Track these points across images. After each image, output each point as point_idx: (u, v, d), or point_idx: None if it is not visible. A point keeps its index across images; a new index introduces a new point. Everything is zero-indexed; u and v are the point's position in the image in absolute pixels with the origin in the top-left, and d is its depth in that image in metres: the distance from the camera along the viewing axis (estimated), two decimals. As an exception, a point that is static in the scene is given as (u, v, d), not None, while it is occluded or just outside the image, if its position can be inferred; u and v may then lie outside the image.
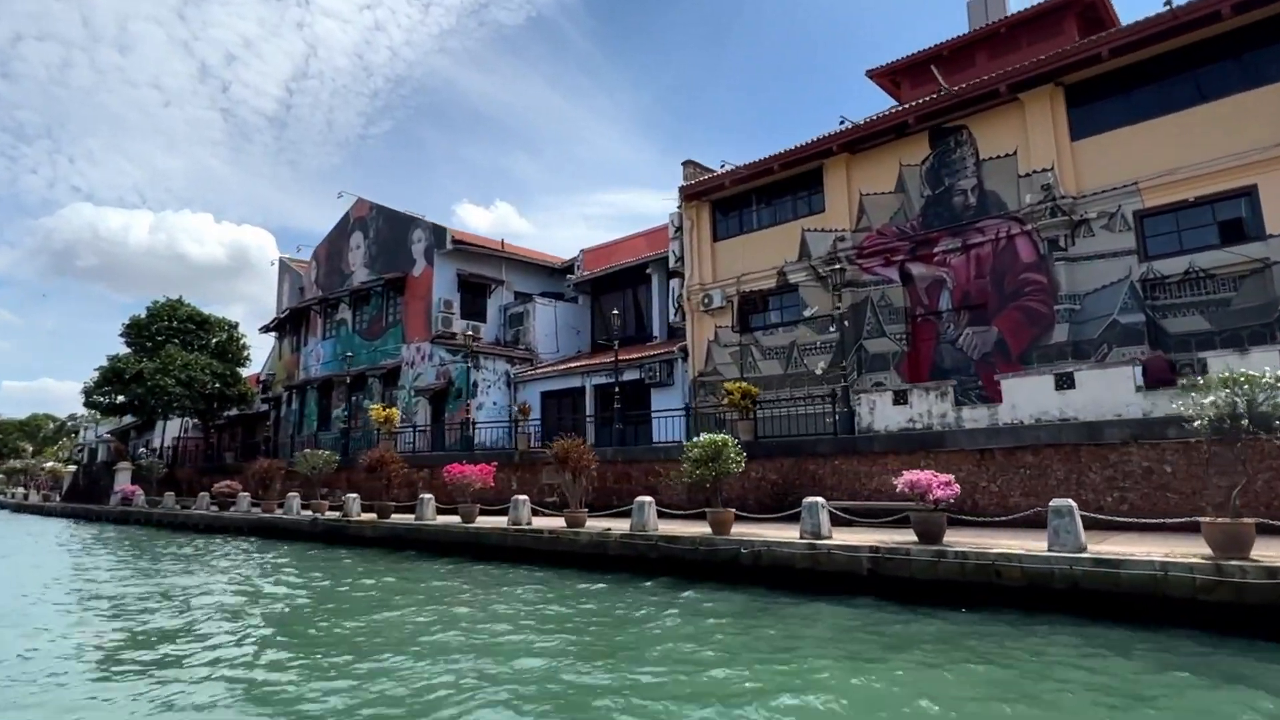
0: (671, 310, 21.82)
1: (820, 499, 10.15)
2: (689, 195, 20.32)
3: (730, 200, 20.24)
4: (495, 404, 25.37)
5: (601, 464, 17.51)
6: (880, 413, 13.77)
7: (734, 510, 11.73)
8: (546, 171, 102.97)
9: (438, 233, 27.08)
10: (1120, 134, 14.00)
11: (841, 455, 13.85)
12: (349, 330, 30.29)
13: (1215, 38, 13.07)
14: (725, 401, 15.84)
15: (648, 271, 26.29)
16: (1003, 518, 11.21)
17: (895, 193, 16.99)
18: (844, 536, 9.95)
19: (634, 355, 22.22)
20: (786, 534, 10.62)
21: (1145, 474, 10.58)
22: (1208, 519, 7.36)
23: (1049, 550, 7.96)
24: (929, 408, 13.15)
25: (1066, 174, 14.44)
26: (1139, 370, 11.16)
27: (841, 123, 16.89)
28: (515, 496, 14.26)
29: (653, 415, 20.34)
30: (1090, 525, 10.23)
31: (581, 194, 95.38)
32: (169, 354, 33.55)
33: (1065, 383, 11.70)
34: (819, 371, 17.66)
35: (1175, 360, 11.75)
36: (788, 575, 9.69)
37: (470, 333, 25.92)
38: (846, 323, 17.23)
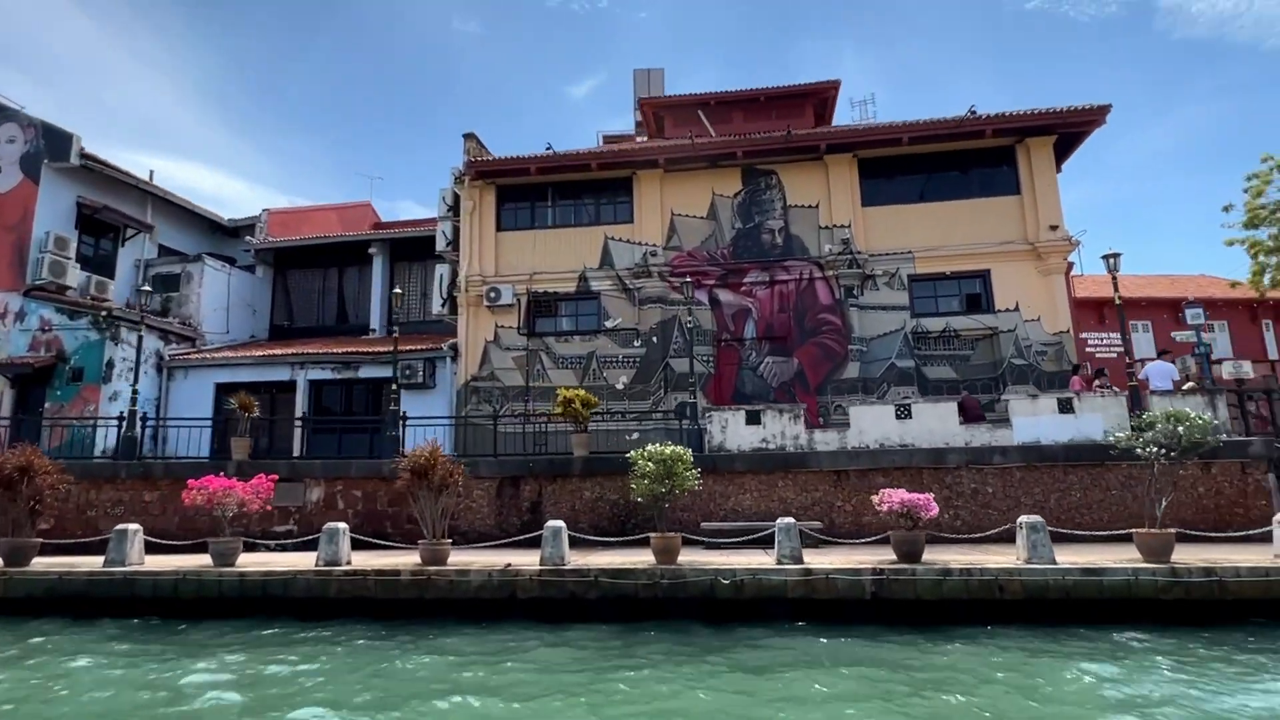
0: (438, 300, 18.61)
1: (791, 519, 9.56)
2: (479, 173, 17.74)
3: (522, 189, 18.34)
4: (141, 394, 18.09)
5: (372, 481, 13.99)
6: (733, 432, 13.75)
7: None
8: (55, 107, 79.31)
9: (55, 137, 18.46)
10: (900, 209, 16.85)
11: (695, 474, 13.37)
12: None
13: (971, 150, 16.78)
14: (556, 410, 14.02)
15: (370, 252, 22.10)
16: (861, 539, 12.17)
17: (707, 219, 17.51)
18: (818, 559, 9.52)
19: (378, 349, 18.26)
20: (742, 560, 9.76)
21: (973, 494, 12.62)
22: (1141, 530, 9.06)
23: (1028, 563, 8.83)
24: (782, 429, 13.62)
25: (859, 233, 16.75)
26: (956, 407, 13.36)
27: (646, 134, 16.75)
28: (330, 525, 10.15)
29: (408, 423, 16.90)
30: (935, 540, 11.67)
31: (106, 147, 75.43)
32: None
33: (904, 413, 13.34)
34: (620, 386, 16.96)
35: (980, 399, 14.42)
36: (776, 606, 8.83)
37: (106, 293, 18.15)
38: (655, 339, 16.96)
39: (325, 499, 14.26)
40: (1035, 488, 12.51)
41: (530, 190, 18.32)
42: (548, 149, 17.40)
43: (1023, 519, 9.20)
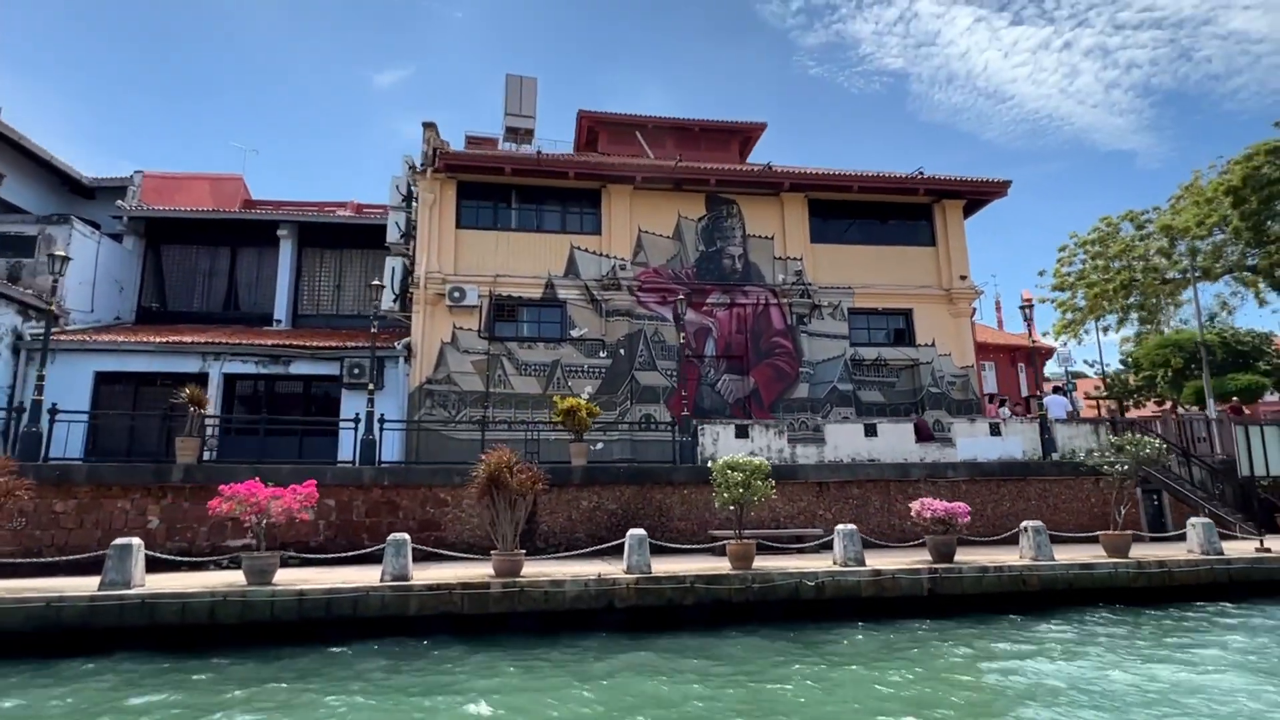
0: (389, 296, 17.27)
1: (853, 526, 10.55)
2: (447, 166, 16.90)
3: (484, 188, 17.75)
4: (44, 380, 14.84)
5: (347, 489, 12.92)
6: (724, 444, 14.54)
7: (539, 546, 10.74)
8: None
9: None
10: (842, 248, 18.83)
11: (692, 485, 13.96)
12: None
13: (900, 204, 19.22)
14: (557, 418, 13.89)
15: (280, 234, 19.92)
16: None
17: (673, 239, 18.23)
18: (874, 562, 10.56)
19: (321, 343, 16.58)
20: (792, 563, 10.55)
21: (929, 503, 14.52)
22: (1106, 532, 11.24)
23: (1036, 561, 10.61)
24: (768, 443, 14.68)
25: (808, 266, 18.45)
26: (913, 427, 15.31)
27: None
28: (394, 536, 9.32)
29: (343, 426, 15.62)
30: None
31: None
32: None
33: (871, 431, 15.02)
34: (586, 396, 16.98)
35: (930, 421, 16.46)
36: (848, 605, 9.74)
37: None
38: (622, 350, 17.28)
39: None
40: (976, 498, 14.68)
41: (493, 190, 17.79)
42: (537, 152, 17.04)
43: (1026, 524, 11.02)
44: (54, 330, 16.23)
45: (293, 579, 9.16)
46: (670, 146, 22.38)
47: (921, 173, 18.23)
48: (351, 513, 12.96)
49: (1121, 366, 29.67)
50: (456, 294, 16.61)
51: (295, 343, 16.47)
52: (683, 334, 15.81)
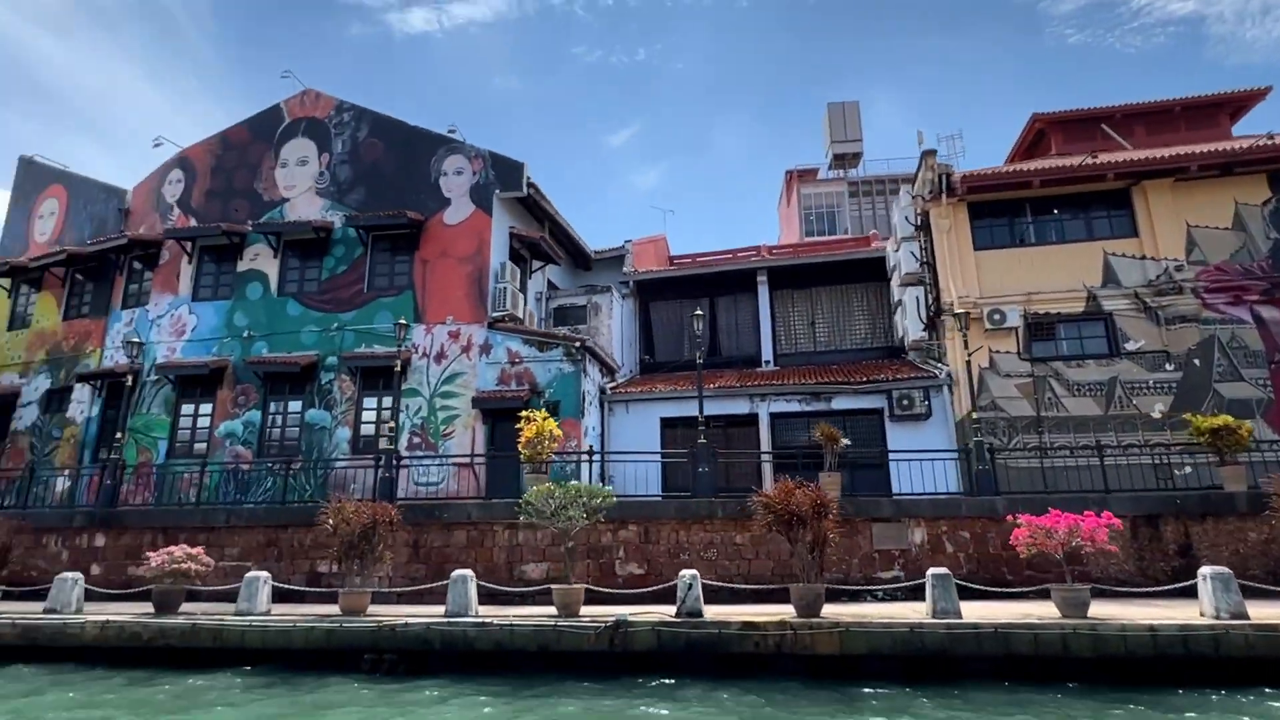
0: (917, 326, 17.40)
1: None
2: (969, 189, 16.63)
3: (996, 206, 17.16)
4: (593, 429, 17.22)
5: (980, 520, 12.57)
6: None
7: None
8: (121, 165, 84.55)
9: (504, 166, 18.10)
10: None
11: (1399, 510, 11.59)
12: (270, 290, 18.19)
13: None
14: (1201, 439, 12.52)
15: (759, 280, 21.17)
16: None
17: (1233, 230, 16.03)
18: None
19: (858, 379, 17.06)
20: None
21: None
22: None
23: None
24: None
25: None
26: None
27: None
28: (1210, 569, 8.71)
29: (892, 457, 15.57)
30: None
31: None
32: None
33: None
34: (1156, 415, 15.31)
35: None
36: None
37: (532, 325, 17.41)
38: (1197, 361, 15.38)
39: (930, 540, 12.87)
40: None
41: (1004, 206, 17.14)
42: (1089, 157, 16.19)
43: None
44: (615, 384, 18.62)
45: (1106, 614, 8.84)
46: (1141, 135, 20.30)
47: None
48: (987, 545, 12.66)
49: None
50: (997, 316, 16.05)
51: (834, 380, 17.06)
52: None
